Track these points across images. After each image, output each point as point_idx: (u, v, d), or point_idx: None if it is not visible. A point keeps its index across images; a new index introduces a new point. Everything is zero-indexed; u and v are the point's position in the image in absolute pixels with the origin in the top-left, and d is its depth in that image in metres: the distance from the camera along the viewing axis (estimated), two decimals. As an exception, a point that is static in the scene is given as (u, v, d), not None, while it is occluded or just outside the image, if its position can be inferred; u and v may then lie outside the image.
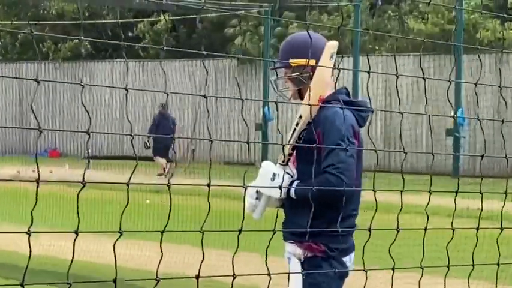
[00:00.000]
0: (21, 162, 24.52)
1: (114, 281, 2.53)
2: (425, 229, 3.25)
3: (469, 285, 3.47)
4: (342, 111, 4.38)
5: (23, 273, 2.28)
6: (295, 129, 4.55)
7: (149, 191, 16.46)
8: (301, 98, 4.70)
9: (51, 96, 37.61)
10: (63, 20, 38.54)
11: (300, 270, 4.43)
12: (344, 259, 4.54)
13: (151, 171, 24.24)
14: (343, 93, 4.79)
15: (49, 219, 13.43)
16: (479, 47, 21.64)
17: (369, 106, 4.77)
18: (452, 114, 25.59)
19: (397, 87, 4.03)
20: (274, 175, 4.51)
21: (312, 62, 4.51)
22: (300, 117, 4.54)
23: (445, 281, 3.40)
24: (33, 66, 37.48)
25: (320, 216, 4.32)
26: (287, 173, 4.54)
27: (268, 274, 4.18)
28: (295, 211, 4.54)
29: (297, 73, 4.69)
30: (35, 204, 2.30)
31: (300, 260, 4.53)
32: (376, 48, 34.14)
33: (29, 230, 2.31)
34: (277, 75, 4.90)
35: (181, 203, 13.64)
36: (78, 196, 2.46)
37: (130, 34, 38.75)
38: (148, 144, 25.97)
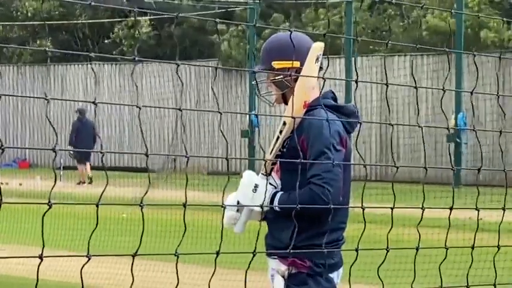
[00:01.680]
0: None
1: None
2: (417, 248, 3.24)
3: None
4: (327, 117, 4.22)
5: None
6: (278, 137, 4.46)
7: (125, 205, 16.42)
8: (286, 103, 4.63)
9: (19, 103, 37.45)
10: (33, 20, 38.40)
11: (282, 281, 4.35)
12: (331, 275, 4.44)
13: (130, 182, 24.23)
14: (329, 97, 4.69)
15: (15, 236, 13.39)
16: (475, 53, 21.71)
17: (356, 111, 4.72)
18: (452, 118, 25.64)
19: (387, 98, 3.82)
20: (256, 186, 4.43)
21: (297, 64, 4.46)
22: (284, 124, 4.47)
23: None
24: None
25: (305, 230, 4.22)
26: (270, 183, 4.47)
27: None
28: (278, 225, 4.44)
29: (281, 76, 4.60)
30: None
31: (283, 277, 4.42)
32: (376, 48, 34.15)
33: None
34: (256, 81, 4.87)
35: (158, 216, 13.63)
36: (43, 219, 2.43)
37: (106, 41, 38.67)
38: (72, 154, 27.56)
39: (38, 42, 38.35)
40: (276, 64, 4.59)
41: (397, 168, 3.59)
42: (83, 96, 35.85)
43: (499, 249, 3.69)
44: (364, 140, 29.87)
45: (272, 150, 4.49)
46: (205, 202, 15.93)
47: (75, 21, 38.33)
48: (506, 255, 7.19)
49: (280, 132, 4.46)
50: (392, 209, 3.26)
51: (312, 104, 4.48)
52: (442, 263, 3.26)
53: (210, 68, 34.09)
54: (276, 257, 4.49)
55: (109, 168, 31.34)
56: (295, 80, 4.47)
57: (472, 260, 3.45)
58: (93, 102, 2.50)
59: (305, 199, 4.13)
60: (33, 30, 39.60)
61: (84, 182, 26.77)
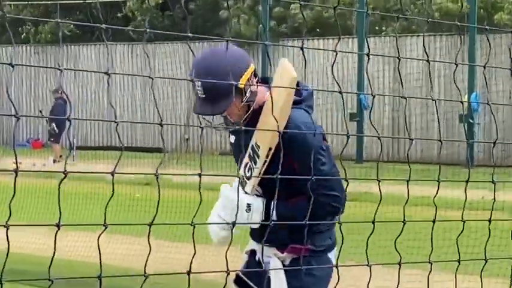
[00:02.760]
0: (1, 153, 24.35)
1: (99, 277, 2.49)
2: (434, 221, 3.20)
3: (481, 281, 3.43)
4: (306, 117, 4.12)
5: None
6: (265, 161, 4.09)
7: (139, 184, 16.41)
8: (247, 111, 4.11)
9: (32, 83, 37.45)
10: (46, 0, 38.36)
11: (282, 271, 4.15)
12: (329, 255, 4.34)
13: (142, 163, 24.24)
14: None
15: (29, 214, 13.38)
16: (488, 27, 21.55)
17: (310, 89, 4.34)
18: (465, 98, 25.49)
19: (399, 71, 3.54)
20: (248, 206, 4.09)
21: (252, 67, 4.12)
22: (270, 149, 4.06)
23: (455, 276, 3.36)
24: (9, 51, 37.20)
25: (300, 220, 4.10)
26: (257, 195, 4.19)
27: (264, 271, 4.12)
28: (276, 226, 4.09)
29: (247, 93, 4.08)
30: (13, 197, 2.27)
31: (283, 262, 4.24)
32: (384, 28, 34.01)
33: (6, 223, 2.28)
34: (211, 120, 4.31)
35: (171, 195, 13.58)
36: (59, 187, 2.43)
37: (118, 14, 38.54)
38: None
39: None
40: (241, 82, 4.00)
41: (411, 140, 3.48)
42: (95, 76, 35.73)
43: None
44: (377, 122, 29.82)
45: (259, 172, 4.13)
46: (217, 183, 15.82)
47: (88, 0, 38.26)
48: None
49: (267, 156, 4.06)
50: (408, 181, 3.19)
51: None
52: (458, 236, 3.23)
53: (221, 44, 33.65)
54: (273, 245, 4.23)
55: (118, 148, 31.27)
56: (257, 82, 4.14)
57: (489, 235, 3.41)
58: (106, 73, 2.47)
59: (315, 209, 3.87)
60: (45, 10, 39.51)
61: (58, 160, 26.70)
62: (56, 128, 28.14)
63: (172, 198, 13.42)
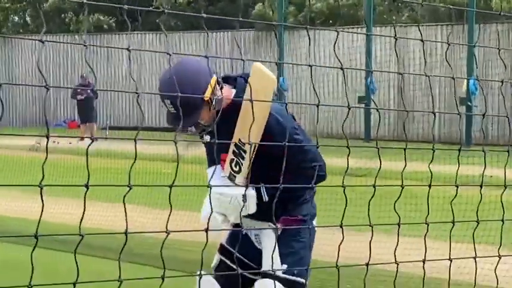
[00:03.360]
0: (40, 133, 24.29)
1: (125, 233, 2.50)
2: (430, 186, 3.19)
3: (474, 244, 3.42)
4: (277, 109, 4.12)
5: (32, 238, 2.28)
6: (252, 155, 4.08)
7: (168, 161, 16.38)
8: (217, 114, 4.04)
9: (69, 70, 37.56)
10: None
11: (275, 239, 4.05)
12: (314, 222, 4.38)
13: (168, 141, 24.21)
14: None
15: (60, 188, 13.33)
16: (490, 11, 21.49)
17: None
18: (464, 84, 25.44)
19: (397, 54, 3.42)
20: (244, 197, 4.04)
21: (214, 79, 4.06)
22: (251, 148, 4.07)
23: (450, 238, 3.35)
24: (54, 39, 37.34)
25: (291, 195, 4.21)
26: (236, 184, 4.18)
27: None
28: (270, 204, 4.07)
29: (213, 102, 4.05)
30: (45, 160, 2.27)
31: (275, 233, 4.15)
32: (394, 18, 33.95)
33: (40, 183, 2.28)
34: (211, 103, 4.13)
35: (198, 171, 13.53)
36: (87, 152, 2.44)
37: (150, 7, 38.49)
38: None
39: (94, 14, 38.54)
40: (206, 95, 3.99)
41: (410, 112, 3.46)
42: (126, 63, 35.79)
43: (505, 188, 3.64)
44: (383, 104, 29.82)
45: (248, 165, 4.13)
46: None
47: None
48: None
49: (254, 149, 4.04)
50: (404, 149, 3.17)
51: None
52: (453, 199, 3.23)
53: (242, 35, 33.66)
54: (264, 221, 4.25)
55: (150, 128, 31.43)
56: (221, 88, 4.13)
57: (480, 201, 3.41)
58: (127, 49, 2.49)
59: (303, 182, 4.05)
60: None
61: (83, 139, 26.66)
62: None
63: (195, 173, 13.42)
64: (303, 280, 4.12)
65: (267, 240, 4.17)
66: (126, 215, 2.52)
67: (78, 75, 36.75)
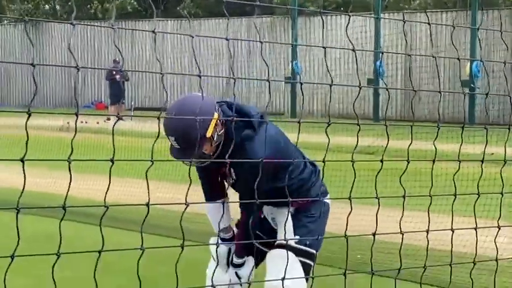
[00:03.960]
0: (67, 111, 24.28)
1: (147, 204, 2.50)
2: (434, 161, 3.16)
3: (475, 216, 3.39)
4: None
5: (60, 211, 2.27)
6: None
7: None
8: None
9: (96, 57, 37.62)
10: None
11: (290, 219, 4.17)
12: (325, 200, 4.42)
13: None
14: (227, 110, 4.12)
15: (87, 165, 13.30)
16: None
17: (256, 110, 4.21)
18: (467, 66, 25.36)
19: (406, 39, 3.35)
20: (238, 276, 4.28)
21: (216, 115, 3.94)
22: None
23: (452, 210, 3.32)
24: (82, 27, 37.34)
25: (296, 188, 4.27)
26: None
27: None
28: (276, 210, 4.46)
29: (215, 137, 3.98)
30: (74, 136, 2.25)
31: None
32: (406, 6, 33.87)
33: (69, 157, 2.27)
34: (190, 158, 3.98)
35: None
36: (113, 130, 2.44)
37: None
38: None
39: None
40: (208, 133, 3.92)
41: (416, 94, 3.41)
42: (150, 49, 35.80)
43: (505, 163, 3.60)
44: (391, 85, 29.77)
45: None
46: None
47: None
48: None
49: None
50: (411, 126, 3.14)
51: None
52: (455, 173, 3.19)
53: (258, 22, 33.56)
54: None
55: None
56: (222, 124, 4.00)
57: (481, 176, 3.37)
58: (153, 31, 2.48)
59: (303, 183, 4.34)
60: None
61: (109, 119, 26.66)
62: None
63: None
64: (313, 250, 4.20)
65: (282, 219, 4.18)
66: (148, 188, 2.52)
67: (104, 61, 36.87)
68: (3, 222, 6.53)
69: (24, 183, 2.20)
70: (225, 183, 4.25)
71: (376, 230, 2.96)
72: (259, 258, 4.32)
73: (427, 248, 3.20)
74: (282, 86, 32.08)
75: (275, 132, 4.18)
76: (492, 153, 4.57)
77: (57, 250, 2.30)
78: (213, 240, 4.35)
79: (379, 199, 2.95)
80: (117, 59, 31.16)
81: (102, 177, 10.86)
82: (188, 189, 2.59)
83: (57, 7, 42.89)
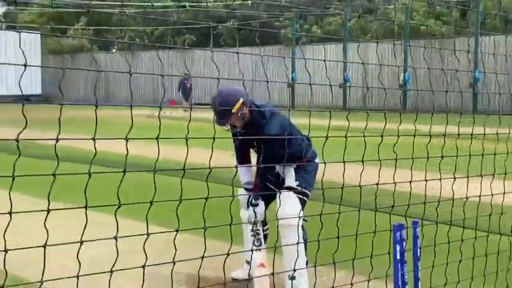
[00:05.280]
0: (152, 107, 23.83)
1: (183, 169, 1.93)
2: (445, 136, 2.58)
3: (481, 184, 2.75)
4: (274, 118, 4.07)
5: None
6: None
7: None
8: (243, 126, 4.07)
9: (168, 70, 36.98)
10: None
11: (293, 172, 4.11)
12: (316, 160, 4.26)
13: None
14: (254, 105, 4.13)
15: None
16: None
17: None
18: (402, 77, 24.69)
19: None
20: (254, 207, 4.09)
21: (240, 102, 3.95)
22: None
23: (440, 168, 2.72)
24: (162, 53, 36.63)
25: (297, 154, 4.14)
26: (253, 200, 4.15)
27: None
28: (285, 173, 4.22)
29: (239, 114, 3.99)
30: (159, 125, 1.62)
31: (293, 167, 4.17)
32: (362, 36, 32.72)
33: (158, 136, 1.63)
34: (230, 126, 4.07)
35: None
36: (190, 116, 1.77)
37: (215, 32, 37.28)
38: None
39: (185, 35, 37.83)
40: (234, 109, 3.96)
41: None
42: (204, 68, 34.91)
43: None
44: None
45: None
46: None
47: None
48: None
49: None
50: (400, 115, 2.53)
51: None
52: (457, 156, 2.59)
53: (270, 50, 32.72)
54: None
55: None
56: (247, 107, 4.03)
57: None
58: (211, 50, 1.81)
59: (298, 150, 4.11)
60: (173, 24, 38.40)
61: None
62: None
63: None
64: (307, 191, 4.07)
65: (288, 173, 4.14)
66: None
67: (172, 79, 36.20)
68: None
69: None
70: (251, 150, 4.22)
71: (378, 180, 2.77)
72: (272, 198, 4.22)
73: (410, 194, 3.05)
74: (286, 89, 31.53)
75: (284, 118, 4.11)
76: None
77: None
78: (241, 190, 4.27)
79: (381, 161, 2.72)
80: (187, 73, 31.40)
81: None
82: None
83: (146, 40, 41.96)
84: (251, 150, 4.24)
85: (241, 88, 4.08)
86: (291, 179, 4.04)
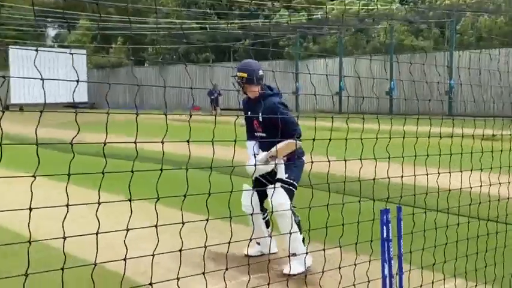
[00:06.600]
0: (180, 112, 23.77)
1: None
2: (429, 136, 2.48)
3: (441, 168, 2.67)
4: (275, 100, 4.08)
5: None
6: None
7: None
8: (245, 93, 4.17)
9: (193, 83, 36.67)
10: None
11: (283, 165, 4.02)
12: (303, 158, 4.14)
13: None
14: (266, 89, 4.22)
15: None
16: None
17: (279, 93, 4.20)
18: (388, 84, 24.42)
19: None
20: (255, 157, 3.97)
21: (244, 75, 4.08)
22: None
23: (439, 162, 2.63)
24: (185, 68, 36.33)
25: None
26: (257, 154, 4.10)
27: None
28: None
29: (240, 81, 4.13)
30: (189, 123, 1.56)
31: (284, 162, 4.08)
32: (354, 51, 32.30)
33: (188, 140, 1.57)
34: (240, 85, 4.17)
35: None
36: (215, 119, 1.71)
37: (233, 45, 36.28)
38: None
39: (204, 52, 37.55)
40: (240, 74, 4.13)
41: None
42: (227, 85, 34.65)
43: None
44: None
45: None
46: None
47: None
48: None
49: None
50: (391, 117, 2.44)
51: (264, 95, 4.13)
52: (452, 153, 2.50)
53: (275, 64, 32.49)
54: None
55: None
56: (260, 83, 4.14)
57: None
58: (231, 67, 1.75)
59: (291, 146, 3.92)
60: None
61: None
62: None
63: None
64: (295, 183, 4.00)
65: (280, 167, 4.07)
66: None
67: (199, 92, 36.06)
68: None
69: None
70: (255, 126, 4.16)
71: (375, 175, 2.63)
72: (265, 195, 4.08)
73: (401, 185, 2.88)
74: (291, 95, 31.25)
75: (287, 110, 4.06)
76: (495, 135, 3.80)
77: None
78: (245, 185, 4.15)
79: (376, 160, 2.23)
80: (215, 83, 30.61)
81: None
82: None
83: (174, 57, 41.75)
84: (255, 123, 4.18)
85: (261, 72, 4.11)
86: (281, 172, 4.00)
